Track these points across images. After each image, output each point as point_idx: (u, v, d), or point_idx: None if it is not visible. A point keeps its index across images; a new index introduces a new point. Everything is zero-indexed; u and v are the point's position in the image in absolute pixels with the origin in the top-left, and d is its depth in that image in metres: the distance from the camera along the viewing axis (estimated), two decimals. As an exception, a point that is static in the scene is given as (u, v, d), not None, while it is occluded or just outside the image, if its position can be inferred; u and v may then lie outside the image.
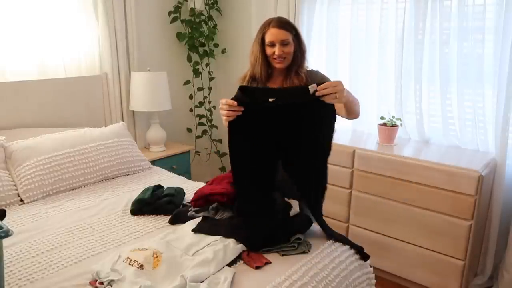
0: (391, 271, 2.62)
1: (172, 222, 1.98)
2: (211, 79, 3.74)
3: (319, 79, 1.94)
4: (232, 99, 1.67)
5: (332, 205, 2.75)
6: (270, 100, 1.68)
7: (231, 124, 1.72)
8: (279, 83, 1.97)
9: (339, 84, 1.62)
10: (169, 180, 2.54)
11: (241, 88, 1.70)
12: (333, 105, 1.69)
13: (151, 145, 3.30)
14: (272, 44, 1.88)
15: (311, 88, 1.61)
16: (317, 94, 1.61)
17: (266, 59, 1.94)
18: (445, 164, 2.33)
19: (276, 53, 1.87)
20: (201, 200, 2.03)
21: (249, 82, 2.02)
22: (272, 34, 1.87)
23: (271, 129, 1.74)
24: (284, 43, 1.87)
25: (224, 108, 1.68)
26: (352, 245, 1.87)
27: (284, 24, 1.89)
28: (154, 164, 2.92)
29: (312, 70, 2.01)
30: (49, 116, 2.80)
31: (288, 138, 1.76)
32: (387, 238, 2.58)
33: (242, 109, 1.67)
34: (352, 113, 1.88)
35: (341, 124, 3.09)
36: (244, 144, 1.75)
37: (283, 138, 1.76)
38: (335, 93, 1.60)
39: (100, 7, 2.95)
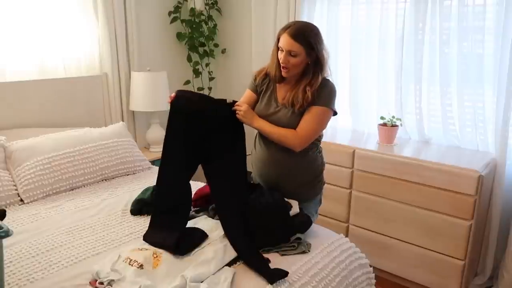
0: (391, 271, 2.62)
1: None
2: (211, 79, 3.74)
3: (324, 91, 1.88)
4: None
5: (332, 205, 2.75)
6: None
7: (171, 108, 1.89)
8: (287, 90, 1.94)
9: (243, 109, 1.88)
10: (169, 180, 2.54)
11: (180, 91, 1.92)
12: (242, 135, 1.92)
13: (151, 145, 3.30)
14: (282, 50, 1.84)
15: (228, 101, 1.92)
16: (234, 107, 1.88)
17: (279, 61, 1.89)
18: (445, 164, 2.33)
19: (281, 60, 1.83)
20: (201, 200, 2.04)
21: (264, 76, 2.01)
22: (282, 41, 1.82)
23: (199, 134, 1.86)
24: (291, 54, 1.81)
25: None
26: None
27: (299, 36, 1.78)
28: (154, 164, 2.91)
29: (327, 80, 1.91)
30: (49, 116, 2.80)
31: (210, 146, 1.89)
32: (387, 238, 2.58)
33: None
34: (277, 143, 1.92)
35: (341, 124, 3.14)
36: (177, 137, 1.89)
37: (206, 144, 1.89)
38: (240, 113, 1.88)
39: (100, 7, 2.95)
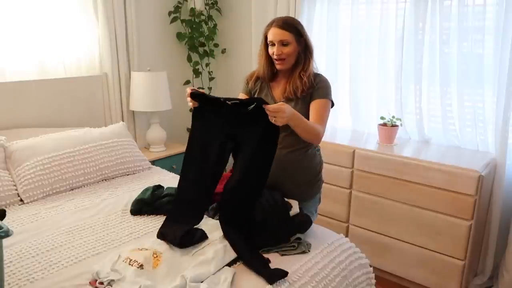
0: (391, 271, 2.62)
1: (172, 222, 1.98)
2: (211, 79, 3.74)
3: (321, 86, 1.91)
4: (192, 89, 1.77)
5: (332, 205, 2.75)
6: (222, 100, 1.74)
7: (193, 112, 1.81)
8: (283, 85, 1.97)
9: (280, 110, 1.60)
10: (169, 180, 2.54)
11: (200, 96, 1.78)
12: (276, 128, 1.67)
13: (151, 145, 3.30)
14: (272, 44, 1.89)
15: (251, 106, 1.67)
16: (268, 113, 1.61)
17: (269, 59, 1.94)
18: (445, 164, 2.33)
19: (275, 52, 1.88)
20: (201, 200, 2.03)
21: (255, 79, 2.04)
22: (272, 34, 1.88)
23: (224, 130, 1.78)
24: (283, 44, 1.86)
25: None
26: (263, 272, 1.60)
27: (286, 25, 1.87)
28: (154, 164, 2.92)
29: (319, 74, 1.98)
30: (49, 116, 2.80)
31: (237, 142, 1.80)
32: (387, 238, 2.58)
33: (194, 101, 1.76)
34: (302, 137, 1.82)
35: (341, 124, 3.13)
36: (200, 140, 1.83)
37: (233, 141, 1.80)
38: (274, 116, 1.60)
39: (100, 7, 2.95)
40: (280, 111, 1.60)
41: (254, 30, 3.31)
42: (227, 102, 1.72)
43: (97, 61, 3.08)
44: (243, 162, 1.79)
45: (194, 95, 1.76)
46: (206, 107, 1.79)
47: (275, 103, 1.95)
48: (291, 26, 1.87)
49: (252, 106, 1.66)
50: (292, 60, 1.90)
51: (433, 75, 2.66)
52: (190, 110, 1.83)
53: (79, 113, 2.96)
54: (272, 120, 1.61)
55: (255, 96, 2.03)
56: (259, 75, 2.02)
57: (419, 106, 2.74)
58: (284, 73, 1.97)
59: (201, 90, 1.85)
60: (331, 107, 1.97)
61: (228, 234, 1.75)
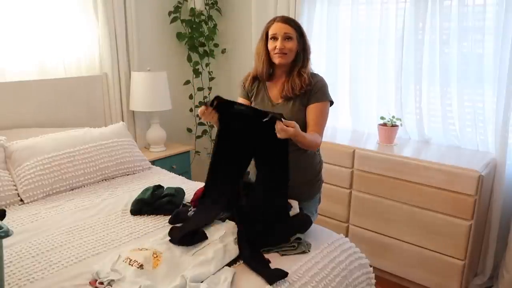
0: (391, 271, 2.62)
1: (172, 222, 1.98)
2: (211, 79, 3.74)
3: (318, 86, 1.92)
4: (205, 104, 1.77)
5: (332, 205, 2.75)
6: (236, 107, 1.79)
7: (220, 126, 1.83)
8: (281, 83, 1.97)
9: (286, 129, 1.62)
10: (169, 180, 2.54)
11: (215, 98, 1.78)
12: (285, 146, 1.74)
13: (151, 145, 3.30)
14: (275, 38, 1.89)
15: (268, 117, 1.68)
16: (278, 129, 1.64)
17: (268, 56, 1.94)
18: (445, 164, 2.33)
19: (278, 46, 1.87)
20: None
21: (251, 81, 2.04)
22: (275, 28, 1.89)
23: (246, 135, 1.82)
24: (286, 37, 1.87)
25: (201, 117, 1.79)
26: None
27: (289, 20, 1.91)
28: (154, 164, 2.92)
29: (316, 74, 1.98)
30: (49, 116, 2.80)
31: (257, 147, 1.83)
32: (387, 238, 2.58)
33: (213, 110, 1.76)
34: (302, 147, 1.85)
35: (341, 124, 3.14)
36: (227, 142, 1.87)
37: (253, 144, 1.84)
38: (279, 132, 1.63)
39: (100, 7, 2.95)
40: (285, 130, 1.62)
41: (254, 30, 3.31)
42: (238, 106, 1.79)
43: (97, 61, 3.08)
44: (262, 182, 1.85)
45: (218, 99, 1.76)
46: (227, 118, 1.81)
47: (271, 104, 1.97)
48: (294, 23, 1.92)
49: (267, 119, 1.66)
50: (292, 56, 1.91)
51: (433, 75, 2.66)
52: (195, 114, 1.84)
53: (79, 113, 2.96)
54: (277, 132, 1.64)
55: (253, 98, 2.04)
56: (257, 73, 2.01)
57: (419, 106, 2.74)
58: (282, 73, 1.97)
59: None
60: (331, 105, 1.97)
61: (240, 236, 1.76)
